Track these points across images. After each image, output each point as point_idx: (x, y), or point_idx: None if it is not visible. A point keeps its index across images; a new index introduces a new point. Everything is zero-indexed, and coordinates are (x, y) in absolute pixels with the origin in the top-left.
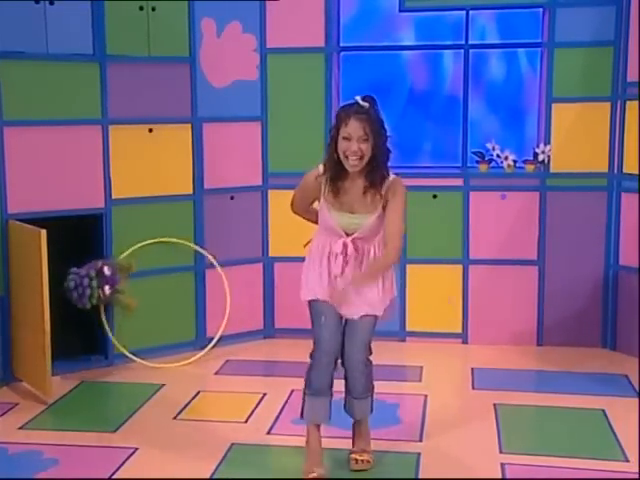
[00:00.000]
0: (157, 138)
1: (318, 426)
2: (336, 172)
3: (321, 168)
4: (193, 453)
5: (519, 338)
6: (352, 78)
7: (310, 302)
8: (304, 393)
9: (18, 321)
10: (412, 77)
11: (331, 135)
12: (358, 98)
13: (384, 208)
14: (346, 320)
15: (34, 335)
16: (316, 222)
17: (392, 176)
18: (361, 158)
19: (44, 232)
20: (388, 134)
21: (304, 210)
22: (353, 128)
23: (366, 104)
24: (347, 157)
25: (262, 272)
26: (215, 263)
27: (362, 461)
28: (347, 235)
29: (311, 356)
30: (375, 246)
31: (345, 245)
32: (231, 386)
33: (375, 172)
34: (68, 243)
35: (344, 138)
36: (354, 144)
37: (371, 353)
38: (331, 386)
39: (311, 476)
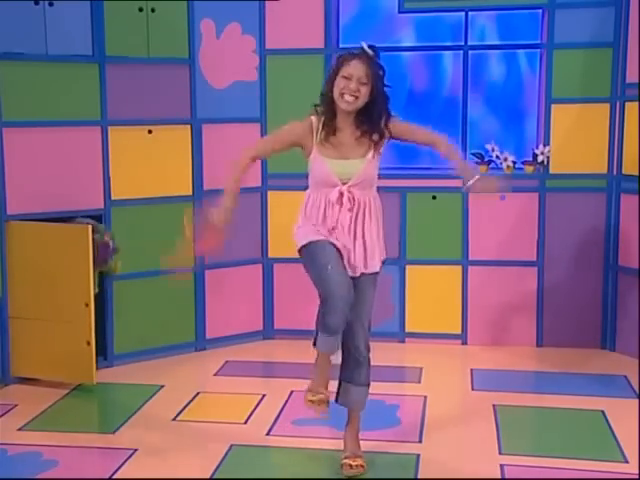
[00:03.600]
0: (156, 139)
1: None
2: (329, 116)
3: (313, 118)
4: (192, 454)
5: (518, 339)
6: None
7: (305, 247)
8: (317, 329)
9: (26, 320)
10: (411, 78)
11: (329, 76)
12: (364, 44)
13: (395, 136)
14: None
15: (58, 329)
16: (234, 177)
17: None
18: (357, 99)
19: (90, 227)
20: (387, 85)
21: (253, 157)
22: (355, 68)
23: (371, 51)
24: (342, 95)
25: (261, 273)
26: None
27: (356, 466)
28: (342, 184)
29: (323, 303)
30: (371, 198)
31: (341, 193)
32: (230, 387)
33: (372, 119)
34: None
35: (344, 77)
36: (354, 83)
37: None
38: (344, 326)
39: (317, 398)
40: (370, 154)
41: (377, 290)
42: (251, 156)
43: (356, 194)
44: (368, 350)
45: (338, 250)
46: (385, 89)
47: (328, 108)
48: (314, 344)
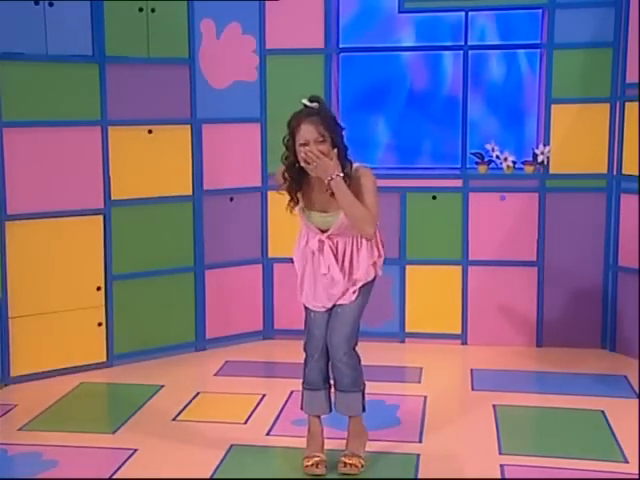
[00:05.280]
0: (156, 139)
1: (318, 415)
2: (299, 181)
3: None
4: (192, 454)
5: (518, 339)
6: (351, 79)
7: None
8: (302, 386)
9: (30, 317)
10: (411, 78)
11: (286, 146)
12: (305, 101)
13: (355, 195)
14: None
15: (68, 318)
16: None
17: (355, 165)
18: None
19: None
20: (343, 129)
21: None
22: (307, 132)
23: (315, 104)
24: (308, 163)
25: (261, 273)
26: None
27: (350, 465)
28: (323, 232)
29: (304, 349)
30: (352, 243)
31: (321, 242)
32: (230, 387)
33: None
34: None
35: (301, 145)
36: (312, 147)
37: (356, 344)
38: (326, 379)
39: (312, 461)
40: None
41: (374, 293)
42: None
43: (338, 239)
44: (349, 356)
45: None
46: (342, 136)
47: (298, 177)
48: (301, 407)
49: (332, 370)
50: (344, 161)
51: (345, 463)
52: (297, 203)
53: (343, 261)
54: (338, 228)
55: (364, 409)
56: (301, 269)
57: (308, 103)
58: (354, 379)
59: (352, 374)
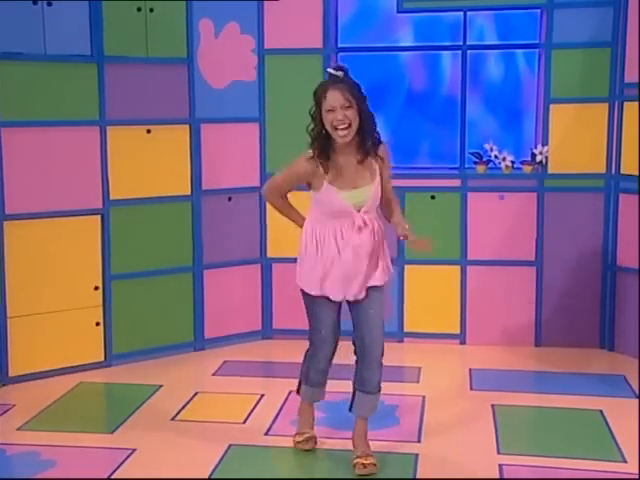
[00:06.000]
0: (155, 139)
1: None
2: (327, 150)
3: (311, 152)
4: (191, 454)
5: (517, 339)
6: None
7: (305, 293)
8: (301, 381)
9: (29, 317)
10: (410, 78)
11: (312, 115)
12: (330, 70)
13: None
14: (357, 309)
15: (67, 317)
16: (285, 214)
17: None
18: (349, 126)
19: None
20: (366, 97)
21: (281, 196)
22: (334, 98)
23: (340, 72)
24: (335, 128)
25: (260, 273)
26: None
27: (370, 465)
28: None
29: (308, 358)
30: (376, 218)
31: (364, 220)
32: (229, 387)
33: (366, 140)
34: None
35: (328, 111)
36: (339, 113)
37: None
38: (324, 379)
39: (302, 438)
40: (377, 178)
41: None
42: (280, 196)
43: (369, 218)
44: (381, 354)
45: (331, 302)
46: (368, 106)
47: (325, 146)
48: (297, 392)
49: (361, 372)
50: (373, 131)
51: (364, 464)
52: (336, 172)
53: (374, 239)
54: (372, 203)
55: (376, 408)
56: (319, 258)
57: (333, 72)
58: (381, 377)
59: (381, 372)
